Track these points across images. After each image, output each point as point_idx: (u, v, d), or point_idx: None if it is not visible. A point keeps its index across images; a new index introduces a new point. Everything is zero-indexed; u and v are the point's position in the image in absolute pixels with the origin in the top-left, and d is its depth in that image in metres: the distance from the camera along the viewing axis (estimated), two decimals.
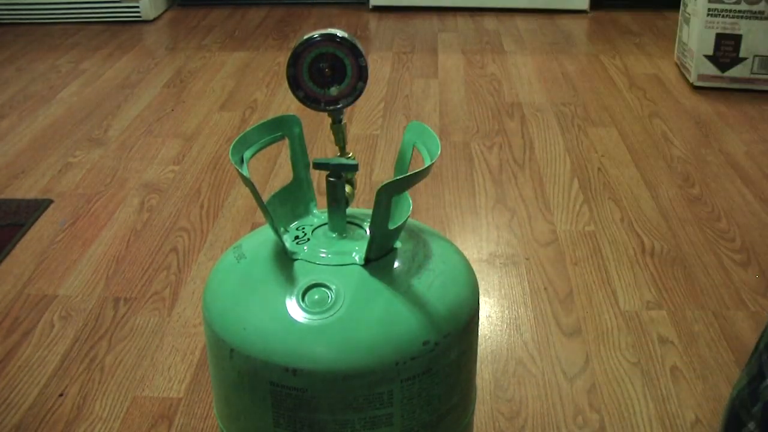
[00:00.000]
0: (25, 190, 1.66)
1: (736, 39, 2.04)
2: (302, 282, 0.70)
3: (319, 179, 1.48)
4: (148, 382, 1.11)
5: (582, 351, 1.16)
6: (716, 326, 1.20)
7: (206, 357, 1.15)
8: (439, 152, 0.72)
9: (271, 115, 1.98)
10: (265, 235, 0.78)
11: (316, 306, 0.68)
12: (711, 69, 2.09)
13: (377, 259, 0.72)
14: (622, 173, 1.68)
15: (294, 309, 0.68)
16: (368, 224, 0.76)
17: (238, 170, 0.70)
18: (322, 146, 1.81)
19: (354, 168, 0.75)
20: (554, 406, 1.06)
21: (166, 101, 2.11)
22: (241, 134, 0.73)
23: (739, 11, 2.02)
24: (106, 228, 1.51)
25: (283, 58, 2.42)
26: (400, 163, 0.78)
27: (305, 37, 0.71)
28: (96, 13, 2.82)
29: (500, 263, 1.37)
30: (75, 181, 1.69)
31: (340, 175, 0.74)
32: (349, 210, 0.77)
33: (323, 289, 0.69)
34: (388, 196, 0.68)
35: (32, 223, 1.52)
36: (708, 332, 1.19)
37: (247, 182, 0.69)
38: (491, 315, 1.24)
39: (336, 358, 0.66)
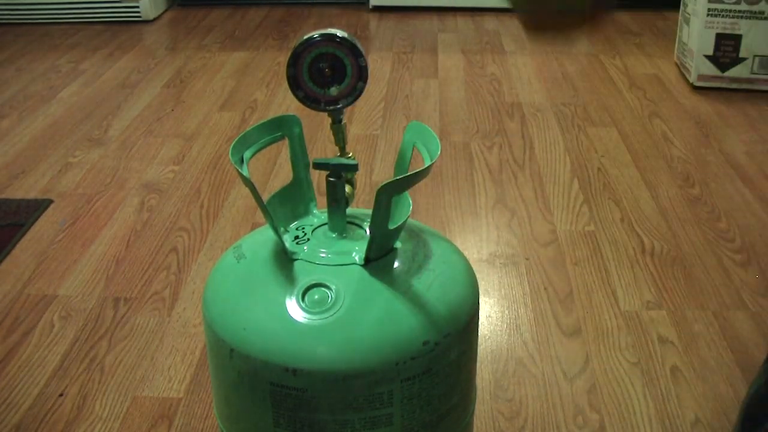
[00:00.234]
0: (25, 190, 1.66)
1: (736, 39, 2.05)
2: (302, 282, 0.70)
3: (319, 179, 1.48)
4: (148, 382, 1.11)
5: (582, 351, 1.16)
6: (716, 326, 1.20)
7: (206, 357, 1.15)
8: (439, 152, 0.72)
9: (271, 115, 1.98)
10: (265, 235, 0.78)
11: (316, 306, 0.68)
12: (711, 69, 2.09)
13: (377, 259, 0.72)
14: (622, 173, 1.68)
15: (294, 309, 0.68)
16: (368, 224, 0.76)
17: (238, 170, 0.70)
18: (322, 146, 1.81)
19: (354, 168, 0.75)
20: (554, 406, 1.06)
21: (166, 101, 2.11)
22: (241, 134, 0.73)
23: (739, 11, 2.02)
24: (106, 228, 1.51)
25: (283, 58, 2.42)
26: (400, 163, 0.78)
27: (305, 37, 0.71)
28: (96, 13, 2.82)
29: (500, 263, 1.37)
30: (75, 181, 1.69)
31: (340, 175, 0.74)
32: (349, 210, 0.77)
33: (323, 289, 0.69)
34: (388, 196, 0.68)
35: (32, 223, 1.52)
36: (708, 332, 1.19)
37: (247, 182, 0.69)
38: (491, 315, 1.24)
39: (336, 358, 0.66)
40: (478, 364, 1.12)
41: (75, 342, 1.20)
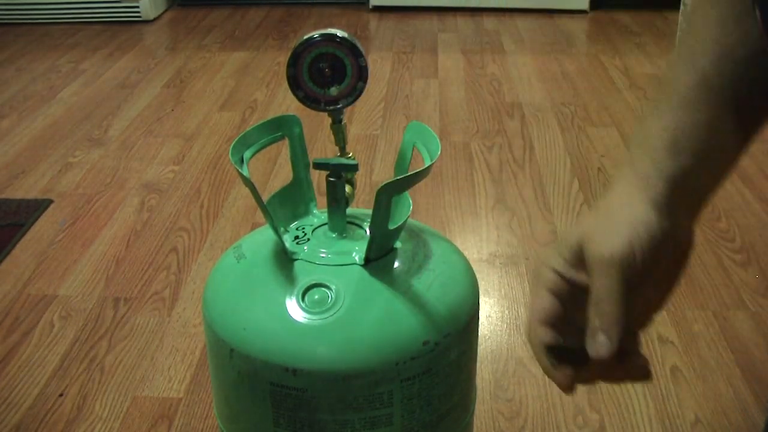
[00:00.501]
0: (25, 190, 1.66)
1: None
2: (302, 282, 0.70)
3: (319, 179, 1.48)
4: (148, 382, 1.11)
5: None
6: (716, 326, 1.20)
7: (206, 357, 1.15)
8: (439, 152, 0.72)
9: (271, 115, 1.98)
10: (265, 235, 0.78)
11: (316, 306, 0.68)
12: None
13: (377, 259, 0.72)
14: None
15: (294, 309, 0.68)
16: (368, 224, 0.76)
17: (238, 170, 0.70)
18: (322, 146, 1.81)
19: (354, 168, 0.75)
20: (554, 406, 1.06)
21: (166, 101, 2.11)
22: (241, 134, 0.73)
23: None
24: (106, 228, 1.51)
25: (283, 58, 2.42)
26: (400, 163, 0.78)
27: (305, 37, 0.71)
28: (96, 13, 2.82)
29: (500, 263, 1.37)
30: (75, 181, 1.69)
31: (340, 175, 0.74)
32: (349, 210, 0.77)
33: (323, 289, 0.69)
34: (388, 196, 0.68)
35: (32, 223, 1.52)
36: (708, 332, 1.19)
37: (247, 182, 0.69)
38: (491, 315, 1.24)
39: (336, 358, 0.66)
40: (478, 364, 1.12)
41: (75, 342, 1.19)
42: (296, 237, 0.75)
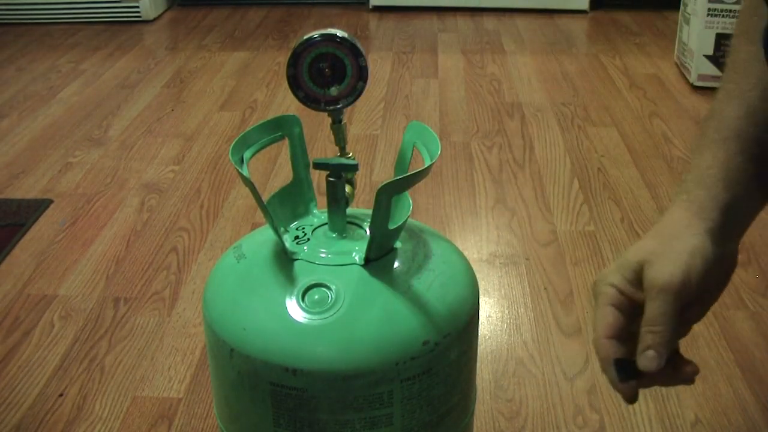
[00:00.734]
0: (25, 190, 1.66)
1: None
2: (302, 282, 0.70)
3: (319, 179, 1.48)
4: (148, 382, 1.11)
5: (582, 351, 1.16)
6: (716, 326, 1.20)
7: (206, 357, 1.15)
8: (439, 152, 0.72)
9: (271, 115, 1.98)
10: (265, 235, 0.78)
11: (316, 306, 0.68)
12: (711, 69, 2.09)
13: (377, 259, 0.72)
14: (622, 173, 1.68)
15: (294, 309, 0.68)
16: (368, 224, 0.76)
17: (238, 170, 0.70)
18: (322, 146, 1.81)
19: (354, 168, 0.75)
20: (554, 406, 1.06)
21: (166, 101, 2.11)
22: (241, 134, 0.73)
23: (739, 11, 2.02)
24: (106, 228, 1.51)
25: (283, 58, 2.42)
26: (400, 163, 0.78)
27: (305, 37, 0.71)
28: (96, 13, 2.82)
29: (500, 263, 1.37)
30: (75, 181, 1.69)
31: (340, 175, 0.74)
32: (349, 210, 0.77)
33: (323, 289, 0.69)
34: (388, 196, 0.68)
35: (32, 223, 1.52)
36: (708, 332, 1.19)
37: (247, 182, 0.69)
38: (491, 315, 1.24)
39: (336, 358, 0.66)
40: (478, 364, 1.12)
41: (75, 342, 1.20)
42: (296, 237, 0.75)
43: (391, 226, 0.71)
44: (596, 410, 1.05)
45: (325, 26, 0.72)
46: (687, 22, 2.19)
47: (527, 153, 1.78)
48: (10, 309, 1.27)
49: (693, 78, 2.12)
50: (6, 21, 2.83)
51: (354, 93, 0.73)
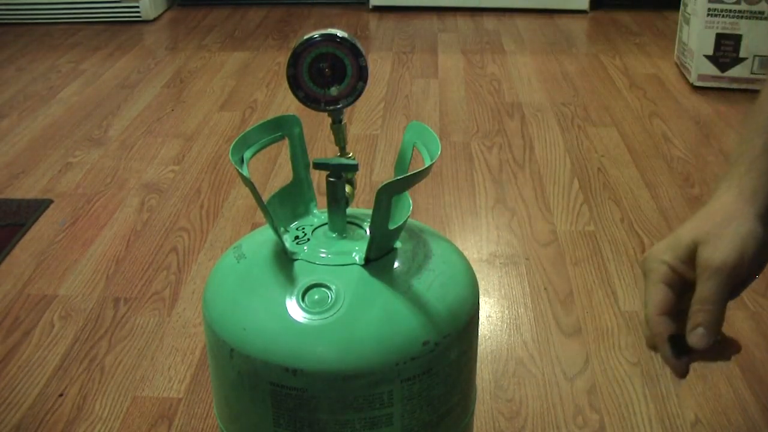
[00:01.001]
0: (25, 190, 1.66)
1: (736, 39, 2.05)
2: (302, 282, 0.70)
3: (319, 179, 1.48)
4: (148, 382, 1.11)
5: (582, 351, 1.16)
6: None
7: (206, 357, 1.15)
8: (439, 152, 0.72)
9: (271, 115, 1.98)
10: (265, 235, 0.78)
11: (316, 306, 0.68)
12: (711, 69, 2.09)
13: (377, 259, 0.72)
14: (622, 173, 1.68)
15: (294, 309, 0.68)
16: (368, 224, 0.76)
17: (238, 170, 0.70)
18: (322, 146, 1.81)
19: (354, 168, 0.75)
20: (554, 406, 1.06)
21: (166, 101, 2.11)
22: (241, 134, 0.73)
23: (739, 11, 2.02)
24: (106, 228, 1.51)
25: (283, 58, 2.42)
26: (400, 163, 0.78)
27: (305, 37, 0.71)
28: (96, 13, 2.82)
29: (500, 263, 1.37)
30: (75, 181, 1.69)
31: (340, 175, 0.74)
32: (349, 210, 0.77)
33: (323, 289, 0.69)
34: (388, 196, 0.68)
35: (32, 223, 1.52)
36: None
37: (247, 182, 0.69)
38: (491, 315, 1.24)
39: (336, 358, 0.66)
40: (478, 364, 1.12)
41: (75, 342, 1.20)
42: (296, 237, 0.75)
43: (391, 226, 0.71)
44: (596, 410, 1.05)
45: (325, 26, 0.72)
46: (687, 22, 2.19)
47: (527, 153, 1.78)
48: (10, 309, 1.27)
49: (693, 78, 2.12)
50: (6, 21, 2.83)
51: (354, 93, 0.73)
